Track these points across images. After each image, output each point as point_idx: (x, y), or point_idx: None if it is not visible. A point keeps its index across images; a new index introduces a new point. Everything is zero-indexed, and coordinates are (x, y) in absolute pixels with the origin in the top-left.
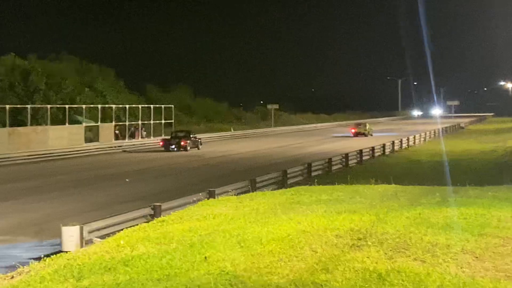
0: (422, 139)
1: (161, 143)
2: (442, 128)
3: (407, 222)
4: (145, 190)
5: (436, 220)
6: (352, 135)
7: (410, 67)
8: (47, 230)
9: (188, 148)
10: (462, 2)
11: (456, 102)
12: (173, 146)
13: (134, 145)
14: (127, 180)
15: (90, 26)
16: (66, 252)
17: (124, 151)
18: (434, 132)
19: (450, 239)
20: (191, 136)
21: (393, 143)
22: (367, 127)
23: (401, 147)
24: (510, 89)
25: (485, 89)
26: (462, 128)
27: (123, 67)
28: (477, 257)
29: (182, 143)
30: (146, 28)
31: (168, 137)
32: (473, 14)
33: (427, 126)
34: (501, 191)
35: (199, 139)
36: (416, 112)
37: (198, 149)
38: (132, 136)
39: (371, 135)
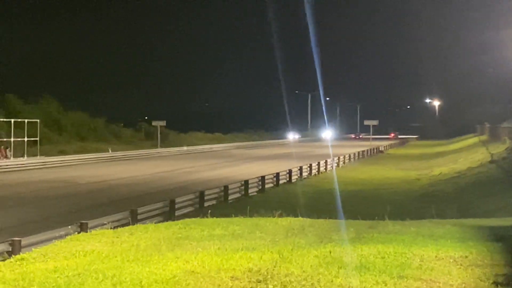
0: (335, 164)
1: (353, 136)
2: (359, 152)
3: (316, 261)
4: (2, 221)
5: (350, 260)
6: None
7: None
8: None
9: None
10: (383, 12)
11: (374, 122)
12: (357, 138)
13: None
14: None
15: None
16: None
17: None
18: (349, 156)
19: (365, 282)
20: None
21: (300, 169)
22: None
23: (310, 173)
24: (436, 107)
25: (408, 107)
26: (382, 152)
27: None
28: None
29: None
30: (7, 29)
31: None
32: (396, 23)
33: (341, 149)
34: (425, 227)
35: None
36: (292, 135)
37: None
38: None
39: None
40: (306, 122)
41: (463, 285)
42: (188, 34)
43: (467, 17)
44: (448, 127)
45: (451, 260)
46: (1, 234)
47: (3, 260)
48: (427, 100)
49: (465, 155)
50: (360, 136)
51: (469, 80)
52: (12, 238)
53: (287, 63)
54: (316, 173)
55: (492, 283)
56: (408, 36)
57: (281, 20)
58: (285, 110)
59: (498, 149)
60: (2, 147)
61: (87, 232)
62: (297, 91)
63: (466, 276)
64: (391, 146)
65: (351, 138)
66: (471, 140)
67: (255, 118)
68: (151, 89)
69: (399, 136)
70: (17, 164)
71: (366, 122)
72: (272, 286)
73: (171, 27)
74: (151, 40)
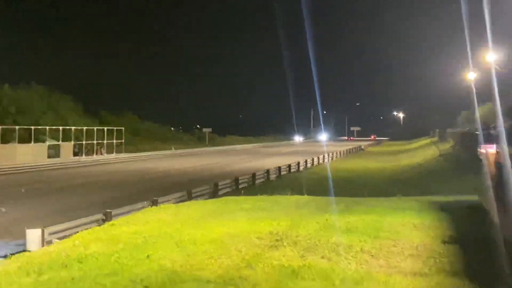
0: (330, 158)
1: (346, 138)
2: (346, 150)
3: (317, 226)
4: (98, 199)
5: (340, 225)
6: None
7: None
8: (14, 233)
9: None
10: (359, 39)
11: (358, 128)
12: (350, 139)
13: (90, 161)
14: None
15: (53, 57)
16: (29, 251)
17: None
18: (340, 153)
19: (352, 240)
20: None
21: (306, 161)
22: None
23: (312, 164)
24: (401, 118)
25: (381, 117)
26: (363, 150)
27: (80, 93)
28: (373, 256)
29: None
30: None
31: (347, 138)
32: (373, 55)
33: (334, 148)
34: (394, 202)
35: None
36: (297, 138)
37: None
38: (90, 153)
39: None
40: (309, 127)
41: (421, 243)
42: (226, 62)
43: (426, 48)
44: (410, 131)
45: (412, 226)
46: (98, 206)
47: (99, 225)
48: (394, 113)
49: (421, 152)
50: (351, 138)
51: (425, 96)
52: (106, 210)
53: (296, 85)
54: (317, 164)
55: (441, 241)
56: (380, 64)
57: (290, 52)
58: (293, 120)
59: (445, 147)
60: (98, 147)
61: (157, 206)
62: (302, 108)
63: (423, 236)
64: (370, 145)
65: (344, 140)
66: (426, 141)
67: (275, 125)
68: (203, 104)
69: (377, 138)
70: (108, 159)
71: (352, 128)
72: (286, 243)
73: (211, 60)
74: (205, 68)
